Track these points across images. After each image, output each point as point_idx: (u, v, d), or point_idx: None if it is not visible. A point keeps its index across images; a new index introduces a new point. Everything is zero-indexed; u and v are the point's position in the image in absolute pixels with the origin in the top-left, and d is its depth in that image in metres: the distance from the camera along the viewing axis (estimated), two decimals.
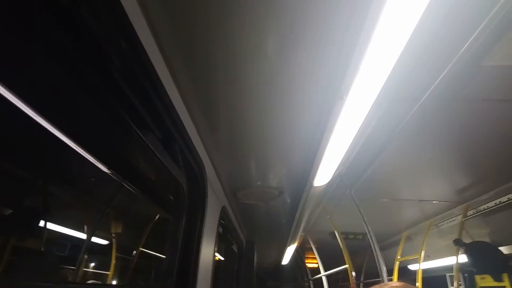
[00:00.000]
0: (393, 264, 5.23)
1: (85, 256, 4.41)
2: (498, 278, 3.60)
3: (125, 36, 0.99)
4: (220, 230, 3.13)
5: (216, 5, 1.08)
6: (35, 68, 0.96)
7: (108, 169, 1.49)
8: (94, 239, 4.77)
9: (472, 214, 3.92)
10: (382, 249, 4.59)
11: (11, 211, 3.38)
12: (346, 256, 4.68)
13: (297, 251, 9.01)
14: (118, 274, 5.17)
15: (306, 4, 1.05)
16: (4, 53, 0.85)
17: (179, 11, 1.11)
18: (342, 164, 2.27)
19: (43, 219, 3.77)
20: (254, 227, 5.11)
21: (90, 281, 4.85)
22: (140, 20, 1.06)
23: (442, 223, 4.69)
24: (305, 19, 1.11)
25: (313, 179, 2.41)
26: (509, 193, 3.31)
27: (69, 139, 1.15)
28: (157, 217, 4.97)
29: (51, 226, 4.04)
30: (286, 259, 8.26)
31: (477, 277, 3.80)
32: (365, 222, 3.56)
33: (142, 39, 1.04)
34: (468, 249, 3.95)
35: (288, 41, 1.22)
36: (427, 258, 5.50)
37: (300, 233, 4.82)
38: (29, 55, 0.92)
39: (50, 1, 0.79)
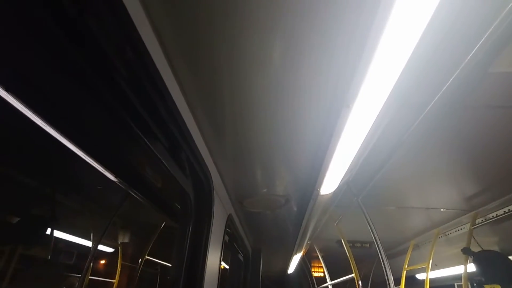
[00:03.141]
0: (401, 273, 5.16)
1: (91, 263, 4.40)
2: None
3: (131, 44, 0.99)
4: (226, 238, 3.12)
5: (220, 12, 1.08)
6: (42, 77, 0.97)
7: (116, 177, 1.50)
8: (101, 247, 4.78)
9: (480, 222, 3.87)
10: (389, 257, 4.54)
11: (19, 219, 3.40)
12: (353, 265, 4.64)
13: (303, 259, 8.95)
14: (124, 282, 5.16)
15: (312, 10, 1.05)
16: (11, 63, 0.87)
17: (184, 18, 1.12)
18: (349, 171, 2.25)
19: (50, 227, 3.78)
20: (260, 235, 5.09)
21: None
22: (146, 28, 1.07)
23: (450, 232, 4.64)
24: (310, 26, 1.11)
25: (319, 187, 2.40)
26: None
27: (77, 147, 1.16)
28: (163, 225, 4.97)
29: (58, 234, 4.06)
30: (292, 268, 8.20)
31: (487, 287, 3.74)
32: (372, 230, 3.53)
33: (148, 47, 1.05)
34: (477, 258, 3.89)
35: (293, 48, 1.22)
36: (435, 267, 5.44)
37: (306, 241, 4.78)
38: (36, 64, 0.93)
39: (55, 10, 0.80)
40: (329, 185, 2.39)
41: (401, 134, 2.19)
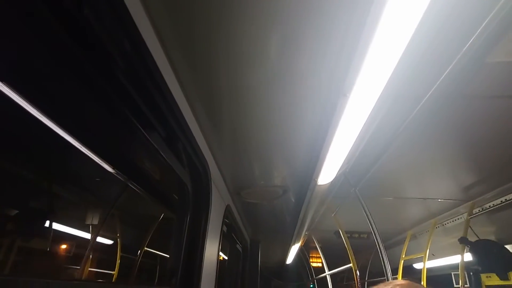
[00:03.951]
0: (398, 263, 5.21)
1: (90, 255, 4.42)
2: (504, 277, 3.57)
3: (129, 37, 0.99)
4: (225, 229, 3.13)
5: (218, 6, 1.08)
6: (40, 70, 0.97)
7: (113, 168, 1.50)
8: (99, 239, 4.79)
9: (477, 212, 3.89)
10: (387, 247, 4.57)
11: (17, 211, 3.40)
12: (350, 255, 4.68)
13: (301, 250, 9.01)
14: (123, 273, 5.19)
15: (307, 1, 1.04)
16: (9, 56, 0.86)
17: (182, 11, 1.11)
18: (346, 162, 2.26)
19: (49, 219, 3.78)
20: (259, 226, 5.12)
21: (96, 281, 4.87)
22: (144, 21, 1.06)
23: (447, 221, 4.67)
24: (307, 16, 1.11)
25: (317, 177, 2.41)
26: None
27: (74, 139, 1.16)
28: (161, 216, 4.98)
29: (56, 226, 4.06)
30: (290, 258, 8.26)
31: (483, 276, 3.78)
32: (370, 221, 3.55)
33: (146, 39, 1.05)
34: (474, 248, 3.92)
35: (290, 38, 1.22)
36: (432, 256, 5.48)
37: (304, 232, 4.81)
38: (34, 58, 0.93)
39: (54, 5, 0.80)
40: (326, 176, 2.40)
41: (398, 125, 2.19)
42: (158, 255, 5.71)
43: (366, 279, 8.58)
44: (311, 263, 10.54)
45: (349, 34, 1.17)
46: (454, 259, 5.00)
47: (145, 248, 5.10)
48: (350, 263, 4.74)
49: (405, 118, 2.10)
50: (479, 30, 1.39)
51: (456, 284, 5.65)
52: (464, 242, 3.98)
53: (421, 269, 4.75)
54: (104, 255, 5.17)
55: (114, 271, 5.07)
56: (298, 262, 11.04)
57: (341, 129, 1.70)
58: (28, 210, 3.50)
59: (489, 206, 3.70)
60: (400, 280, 1.33)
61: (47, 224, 3.76)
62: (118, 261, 5.07)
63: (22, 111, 0.89)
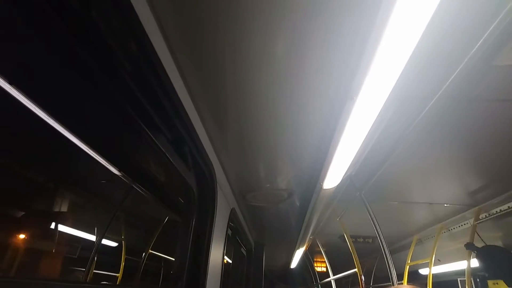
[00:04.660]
0: (404, 268, 5.16)
1: (95, 257, 4.43)
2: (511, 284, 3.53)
3: (136, 39, 1.00)
4: (229, 232, 3.13)
5: (224, 7, 1.08)
6: (46, 71, 0.98)
7: (119, 171, 1.50)
8: (104, 241, 4.80)
9: (484, 218, 3.86)
10: (392, 252, 4.54)
11: (23, 213, 3.42)
12: (355, 260, 4.64)
13: (306, 254, 8.97)
14: (128, 276, 5.19)
15: (315, 4, 1.05)
16: (16, 57, 0.87)
17: (188, 14, 1.12)
18: (352, 166, 2.25)
19: (54, 221, 3.81)
20: (263, 229, 5.11)
21: (101, 283, 4.88)
22: (151, 23, 1.07)
23: (453, 227, 4.63)
24: (314, 19, 1.11)
25: (322, 181, 2.40)
26: None
27: (81, 141, 1.17)
28: (166, 219, 4.99)
29: (62, 228, 4.08)
30: (295, 262, 8.23)
31: (490, 282, 3.73)
32: (375, 225, 3.53)
33: (153, 41, 1.05)
34: (480, 254, 3.88)
35: (297, 41, 1.22)
36: (438, 262, 5.43)
37: (309, 236, 4.79)
38: (40, 59, 0.93)
39: (60, 5, 0.80)
40: (332, 180, 2.39)
41: (404, 128, 2.18)
42: (163, 257, 5.71)
43: (371, 284, 8.53)
44: (316, 268, 10.49)
45: (356, 37, 1.17)
46: (460, 265, 4.96)
47: (150, 251, 5.11)
48: (355, 267, 4.70)
49: (412, 121, 2.09)
50: (486, 33, 1.38)
51: None
52: (470, 248, 3.94)
53: (427, 274, 4.71)
54: (108, 257, 5.18)
55: (118, 273, 5.08)
56: (302, 266, 10.99)
57: (348, 132, 1.70)
58: (32, 212, 3.52)
59: (496, 211, 3.67)
60: (405, 285, 1.31)
61: (52, 225, 3.78)
62: (122, 264, 5.08)
63: (28, 112, 0.90)
